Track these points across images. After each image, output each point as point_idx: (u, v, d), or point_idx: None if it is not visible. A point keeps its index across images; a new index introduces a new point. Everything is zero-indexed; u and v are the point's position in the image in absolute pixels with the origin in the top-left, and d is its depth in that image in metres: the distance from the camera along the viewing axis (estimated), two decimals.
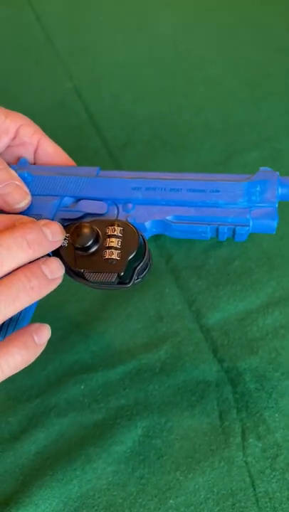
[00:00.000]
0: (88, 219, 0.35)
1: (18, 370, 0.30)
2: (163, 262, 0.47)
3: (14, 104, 0.43)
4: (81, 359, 0.42)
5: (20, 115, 0.40)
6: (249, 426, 0.37)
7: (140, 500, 0.35)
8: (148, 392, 0.39)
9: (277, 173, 0.36)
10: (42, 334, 0.32)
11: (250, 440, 0.37)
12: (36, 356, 0.31)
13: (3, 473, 0.36)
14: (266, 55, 0.65)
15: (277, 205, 0.35)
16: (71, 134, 0.59)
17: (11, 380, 0.41)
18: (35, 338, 0.31)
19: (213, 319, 0.43)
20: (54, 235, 0.32)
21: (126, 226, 0.33)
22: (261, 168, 0.36)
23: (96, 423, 0.38)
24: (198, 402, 0.39)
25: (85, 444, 0.37)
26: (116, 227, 0.32)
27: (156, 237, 0.48)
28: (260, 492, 0.34)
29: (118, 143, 0.57)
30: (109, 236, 0.32)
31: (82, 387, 0.40)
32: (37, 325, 0.32)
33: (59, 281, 0.32)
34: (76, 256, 0.32)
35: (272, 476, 0.35)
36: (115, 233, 0.32)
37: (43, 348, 0.32)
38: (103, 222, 0.33)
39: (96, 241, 0.32)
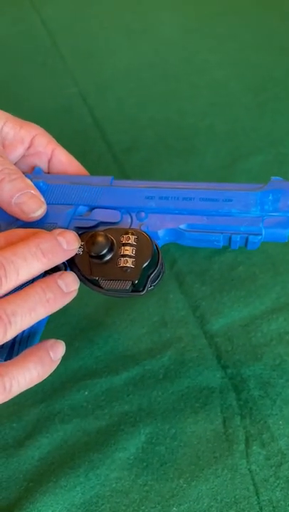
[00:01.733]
0: (102, 227, 0.36)
1: (32, 385, 0.31)
2: (167, 267, 0.46)
3: (19, 109, 0.43)
4: (85, 364, 0.42)
5: (34, 125, 0.41)
6: (253, 433, 0.37)
7: (143, 507, 0.35)
8: (152, 398, 0.39)
9: None
10: (57, 350, 0.32)
11: (254, 448, 0.36)
12: (50, 372, 0.32)
13: (7, 479, 0.37)
14: (270, 59, 0.65)
15: None
16: (76, 139, 0.59)
17: None
18: (51, 354, 0.32)
19: (217, 325, 0.43)
20: (69, 244, 0.32)
21: (140, 235, 0.33)
22: (273, 177, 0.37)
23: (100, 429, 0.38)
24: (202, 409, 0.38)
25: (89, 451, 0.37)
26: (130, 236, 0.33)
27: None
28: (263, 500, 0.34)
29: (123, 147, 0.57)
30: (124, 244, 0.33)
31: (86, 393, 0.40)
32: (52, 341, 0.33)
33: (74, 295, 0.33)
34: (91, 264, 0.33)
35: (276, 484, 0.35)
36: (130, 242, 0.33)
37: (57, 364, 0.32)
38: (118, 231, 0.33)
39: (111, 249, 0.33)
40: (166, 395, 0.39)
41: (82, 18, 0.76)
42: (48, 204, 0.36)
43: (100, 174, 0.39)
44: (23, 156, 0.40)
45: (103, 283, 0.32)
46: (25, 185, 0.35)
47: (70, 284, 0.32)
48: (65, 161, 0.40)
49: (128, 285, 0.32)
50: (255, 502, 0.34)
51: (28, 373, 0.30)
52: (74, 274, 0.33)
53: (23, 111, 0.43)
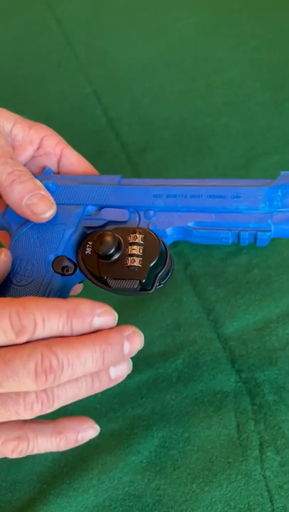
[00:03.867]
0: (111, 227, 0.36)
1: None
2: (181, 269, 0.46)
3: (33, 110, 0.43)
4: None
5: (43, 126, 0.41)
6: (267, 439, 0.37)
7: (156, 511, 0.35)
8: (165, 401, 0.39)
9: None
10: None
11: (268, 454, 0.36)
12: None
13: (21, 480, 0.37)
14: (288, 57, 0.64)
15: None
16: (90, 139, 0.59)
17: None
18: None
19: (232, 328, 0.42)
20: (132, 352, 0.29)
21: (147, 233, 0.33)
22: (282, 172, 0.36)
23: (113, 432, 0.38)
24: (216, 413, 0.38)
25: (102, 453, 0.37)
26: (137, 235, 0.33)
27: (174, 244, 0.48)
28: (278, 508, 0.34)
29: (137, 147, 0.57)
30: (131, 244, 0.33)
31: (99, 395, 0.40)
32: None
33: (120, 381, 0.30)
34: (99, 263, 0.33)
35: None
36: (137, 241, 0.33)
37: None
38: (125, 230, 0.34)
39: (118, 249, 0.33)
40: (179, 399, 0.39)
41: (97, 17, 0.76)
42: (57, 204, 0.36)
43: (113, 175, 0.39)
44: (33, 157, 0.41)
45: (111, 282, 0.33)
46: (36, 186, 0.35)
47: (120, 375, 0.30)
48: (74, 161, 0.41)
49: (136, 284, 0.32)
50: (270, 509, 0.34)
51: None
52: (130, 363, 0.30)
53: (38, 111, 0.44)
